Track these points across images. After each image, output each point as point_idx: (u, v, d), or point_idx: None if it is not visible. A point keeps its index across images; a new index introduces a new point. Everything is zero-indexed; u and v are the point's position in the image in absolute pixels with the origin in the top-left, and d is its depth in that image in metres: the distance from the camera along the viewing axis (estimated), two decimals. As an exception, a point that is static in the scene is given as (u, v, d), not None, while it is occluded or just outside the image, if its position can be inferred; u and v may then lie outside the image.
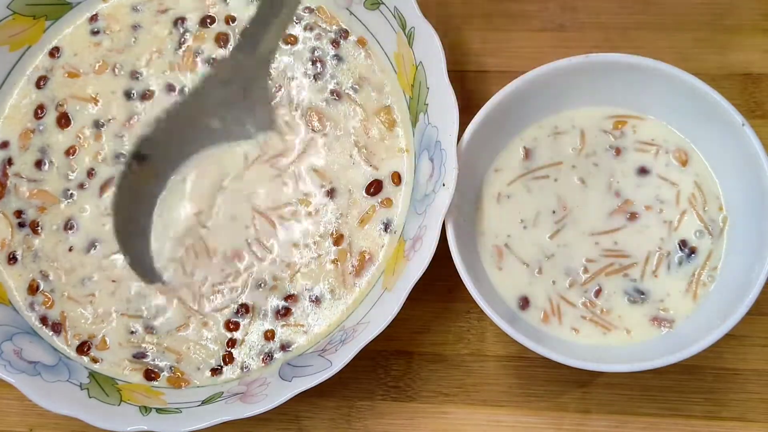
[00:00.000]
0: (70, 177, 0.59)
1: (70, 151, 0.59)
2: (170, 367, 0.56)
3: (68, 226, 0.58)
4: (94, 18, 0.62)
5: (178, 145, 0.59)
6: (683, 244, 0.53)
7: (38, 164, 0.59)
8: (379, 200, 0.57)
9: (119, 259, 0.58)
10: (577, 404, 0.56)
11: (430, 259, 0.51)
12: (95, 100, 0.60)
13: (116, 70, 0.60)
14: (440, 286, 0.57)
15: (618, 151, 0.54)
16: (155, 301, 0.57)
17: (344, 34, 0.60)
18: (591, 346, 0.52)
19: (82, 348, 0.57)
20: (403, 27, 0.55)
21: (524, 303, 0.53)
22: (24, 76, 0.61)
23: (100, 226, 0.58)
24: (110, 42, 0.61)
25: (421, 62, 0.54)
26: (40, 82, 0.61)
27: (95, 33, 0.61)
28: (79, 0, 0.61)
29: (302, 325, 0.56)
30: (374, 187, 0.57)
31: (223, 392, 0.54)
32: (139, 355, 0.56)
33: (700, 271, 0.52)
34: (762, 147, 0.50)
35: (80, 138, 0.59)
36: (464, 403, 0.57)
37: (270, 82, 0.59)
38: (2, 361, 0.53)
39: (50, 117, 0.60)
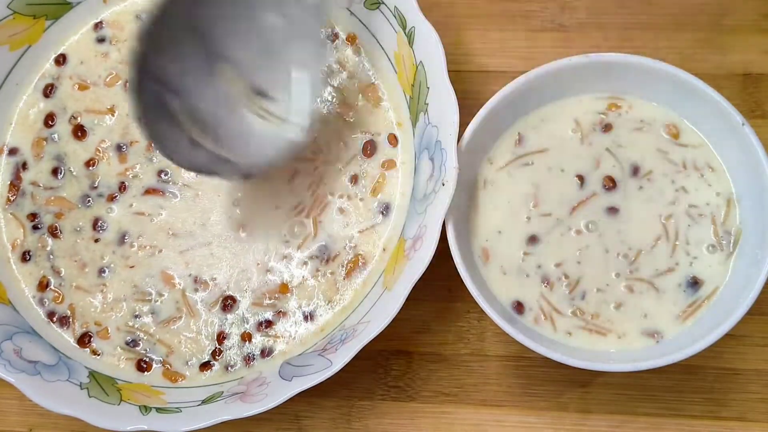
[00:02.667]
0: (94, 185, 0.59)
1: (90, 163, 0.60)
2: (161, 361, 0.56)
3: (96, 225, 0.59)
4: (98, 25, 0.62)
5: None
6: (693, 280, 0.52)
7: (54, 172, 0.60)
8: (381, 161, 0.58)
9: (143, 245, 0.58)
10: (577, 404, 0.56)
11: (431, 258, 0.51)
12: (111, 111, 0.60)
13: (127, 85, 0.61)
14: (440, 286, 0.57)
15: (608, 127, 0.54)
16: (160, 287, 0.57)
17: (334, 37, 0.60)
18: (589, 348, 0.52)
19: (84, 340, 0.57)
20: (404, 27, 0.55)
21: (519, 306, 0.52)
22: (30, 85, 0.61)
23: (131, 220, 0.59)
24: (118, 54, 0.61)
25: (421, 62, 0.54)
26: (48, 91, 0.61)
27: (101, 41, 0.62)
28: (79, 0, 0.61)
29: (281, 337, 0.56)
30: (370, 148, 0.58)
31: (223, 392, 0.54)
32: (132, 343, 0.57)
33: (700, 303, 0.52)
34: (762, 147, 0.50)
35: (99, 152, 0.60)
36: (464, 403, 0.57)
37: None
38: (2, 360, 0.53)
39: (64, 127, 0.61)
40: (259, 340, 0.56)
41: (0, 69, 0.60)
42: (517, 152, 0.55)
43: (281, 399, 0.51)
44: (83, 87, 0.61)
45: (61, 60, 0.62)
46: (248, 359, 0.56)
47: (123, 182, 0.59)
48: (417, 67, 0.55)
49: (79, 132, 0.60)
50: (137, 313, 0.57)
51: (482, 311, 0.50)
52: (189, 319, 0.57)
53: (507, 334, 0.49)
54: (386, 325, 0.51)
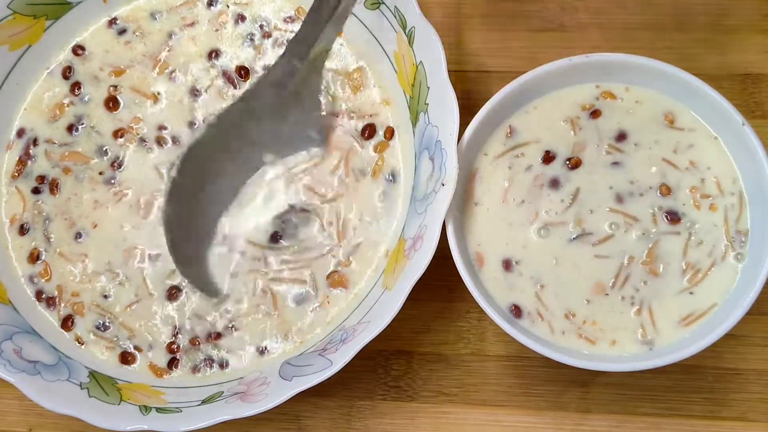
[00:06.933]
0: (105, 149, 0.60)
1: (118, 133, 0.60)
2: (133, 347, 0.57)
3: (115, 164, 0.60)
4: (113, 21, 0.62)
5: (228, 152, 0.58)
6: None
7: (70, 128, 0.61)
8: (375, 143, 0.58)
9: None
10: (577, 404, 0.56)
11: (431, 258, 0.51)
12: (155, 98, 0.61)
13: (173, 75, 0.61)
14: (440, 286, 0.57)
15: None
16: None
17: None
18: (585, 349, 0.52)
19: (67, 323, 0.58)
20: (404, 27, 0.55)
21: (515, 307, 0.52)
22: (43, 72, 0.62)
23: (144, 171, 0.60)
24: (144, 46, 0.62)
25: (421, 62, 0.54)
26: (67, 72, 0.62)
27: (121, 33, 0.62)
28: (79, 0, 0.61)
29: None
30: (368, 131, 0.58)
31: (223, 392, 0.54)
32: (101, 327, 0.57)
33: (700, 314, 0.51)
34: (762, 147, 0.50)
35: (133, 128, 0.60)
36: (464, 403, 0.57)
37: (323, 86, 0.59)
38: (2, 360, 0.53)
39: (96, 93, 0.61)
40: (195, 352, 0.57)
41: (0, 69, 0.60)
42: (509, 144, 0.54)
43: (281, 399, 0.51)
44: (119, 72, 0.61)
45: (79, 51, 0.62)
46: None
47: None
48: (417, 67, 0.55)
49: (112, 102, 0.61)
50: (106, 293, 0.58)
51: (482, 311, 0.50)
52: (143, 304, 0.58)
53: (507, 334, 0.49)
54: (386, 325, 0.51)
